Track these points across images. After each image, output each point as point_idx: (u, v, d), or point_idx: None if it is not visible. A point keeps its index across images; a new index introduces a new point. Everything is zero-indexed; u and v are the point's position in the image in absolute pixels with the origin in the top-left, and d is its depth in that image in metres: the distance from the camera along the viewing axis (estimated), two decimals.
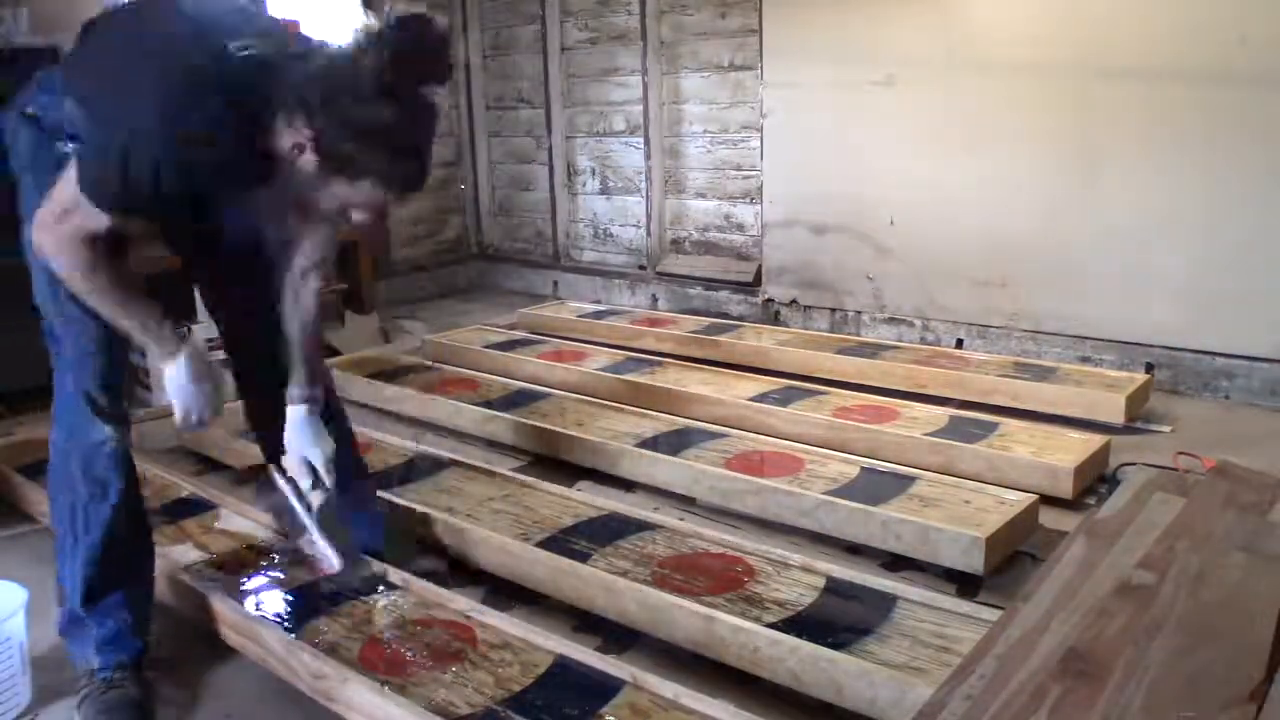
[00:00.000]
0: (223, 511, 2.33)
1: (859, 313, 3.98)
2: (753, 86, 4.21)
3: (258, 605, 1.88)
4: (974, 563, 1.98)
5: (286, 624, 1.81)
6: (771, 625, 1.73)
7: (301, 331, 1.81)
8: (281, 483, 1.83)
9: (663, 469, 2.53)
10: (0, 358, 3.16)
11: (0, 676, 1.64)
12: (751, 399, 3.03)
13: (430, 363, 3.69)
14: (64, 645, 1.77)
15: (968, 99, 3.54)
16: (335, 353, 3.91)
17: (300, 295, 1.80)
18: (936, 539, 2.02)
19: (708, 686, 1.64)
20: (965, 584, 2.02)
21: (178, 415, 1.64)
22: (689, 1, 4.39)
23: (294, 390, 1.81)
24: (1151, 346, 3.27)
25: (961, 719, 0.88)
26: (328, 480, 1.82)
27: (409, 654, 1.70)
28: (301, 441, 1.80)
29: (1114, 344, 3.34)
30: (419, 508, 2.24)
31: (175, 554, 2.10)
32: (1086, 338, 3.41)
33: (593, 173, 4.95)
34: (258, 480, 1.96)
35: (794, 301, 4.17)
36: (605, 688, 1.58)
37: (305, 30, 1.60)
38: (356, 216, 1.51)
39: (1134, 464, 2.37)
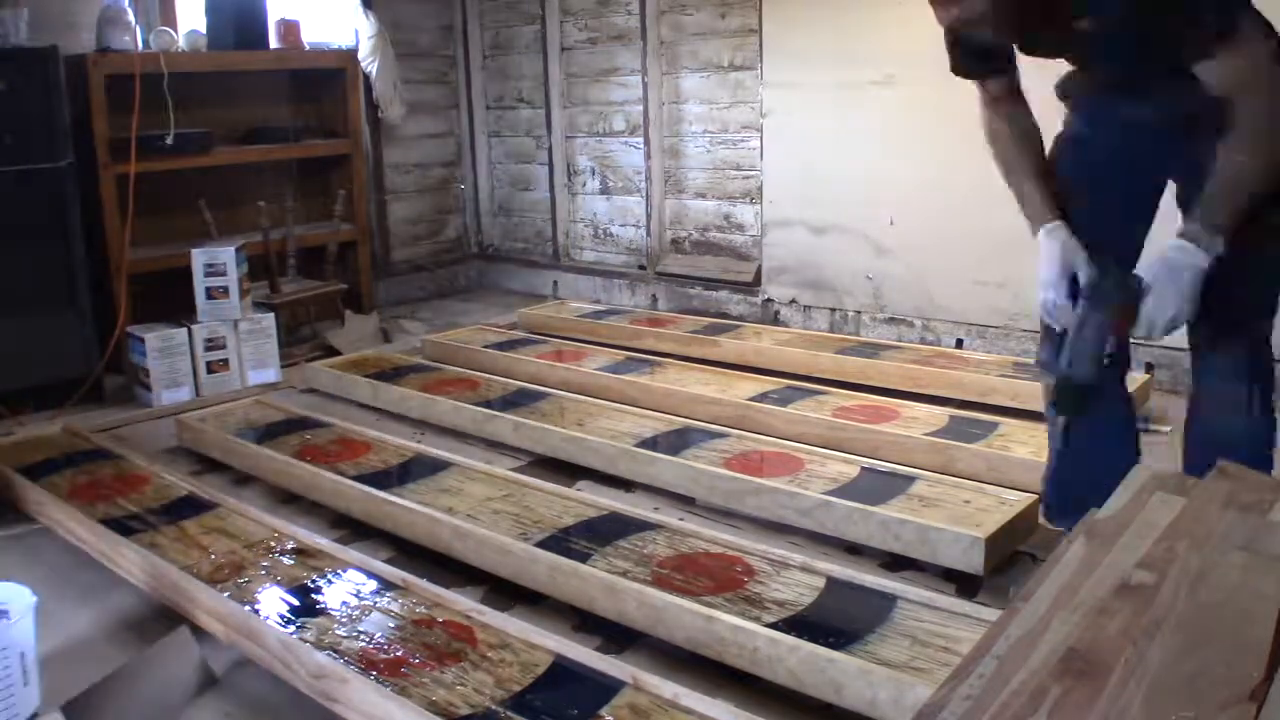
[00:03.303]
0: None
1: (859, 313, 3.98)
2: (753, 86, 4.20)
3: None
4: (974, 563, 1.98)
5: (284, 623, 1.81)
6: (771, 625, 1.73)
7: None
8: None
9: (663, 469, 2.53)
10: (0, 358, 3.17)
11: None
12: (751, 399, 3.03)
13: (430, 363, 3.69)
14: None
15: (968, 99, 3.51)
16: (335, 353, 3.91)
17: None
18: (936, 539, 2.02)
19: (708, 686, 1.64)
20: (965, 584, 2.02)
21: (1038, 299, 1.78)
22: (689, 1, 4.39)
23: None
24: (1151, 346, 3.27)
25: (961, 719, 0.88)
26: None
27: (408, 654, 1.70)
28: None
29: None
30: (419, 508, 2.25)
31: (173, 553, 2.10)
32: None
33: (593, 173, 4.95)
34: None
35: (794, 301, 4.17)
36: (605, 688, 1.58)
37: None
38: None
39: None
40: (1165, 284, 1.60)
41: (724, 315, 4.35)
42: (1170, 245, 1.62)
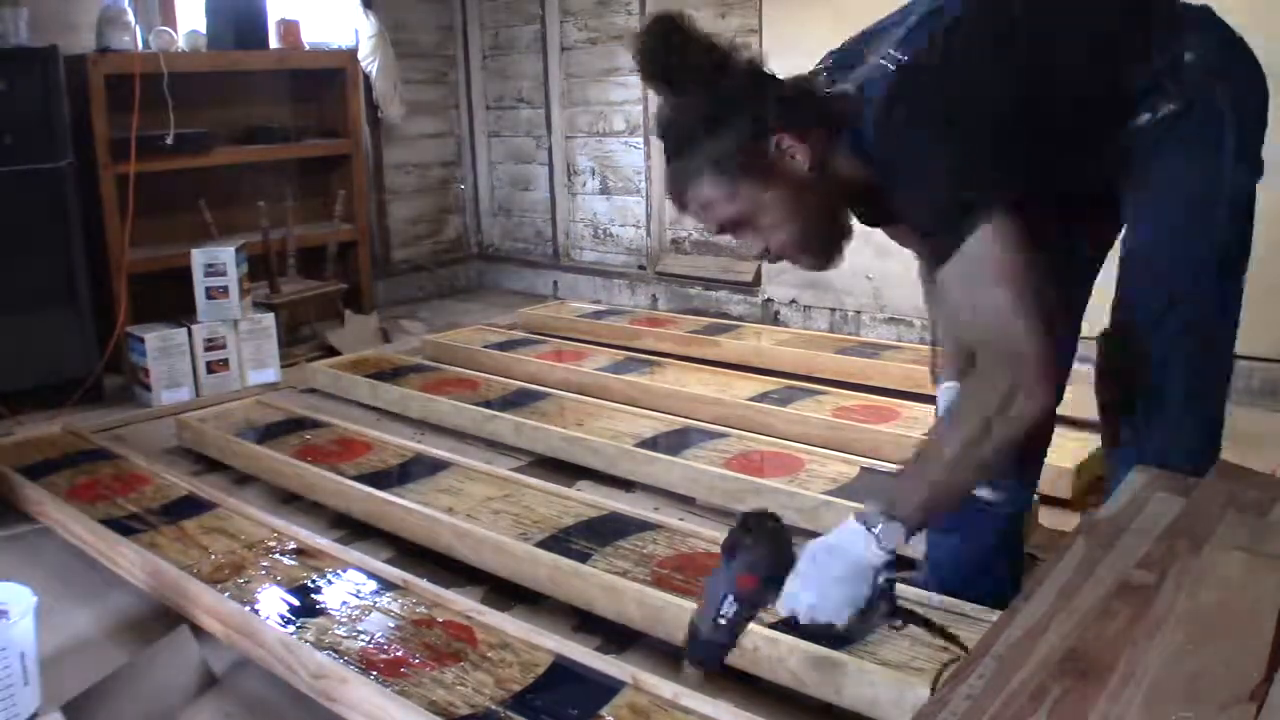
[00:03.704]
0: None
1: (859, 312, 3.98)
2: None
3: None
4: None
5: (284, 623, 1.81)
6: (771, 625, 1.73)
7: None
8: None
9: (663, 469, 2.53)
10: (0, 358, 3.17)
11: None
12: (751, 399, 3.03)
13: (430, 363, 3.69)
14: None
15: None
16: (335, 353, 3.91)
17: None
18: None
19: (708, 686, 1.63)
20: None
21: None
22: (689, 1, 4.39)
23: None
24: None
25: (961, 719, 0.88)
26: None
27: (408, 654, 1.70)
28: None
29: None
30: (419, 508, 2.25)
31: (173, 553, 2.10)
32: (1086, 337, 3.40)
33: (593, 173, 4.94)
34: None
35: (794, 301, 4.17)
36: (605, 688, 1.58)
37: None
38: None
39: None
40: (812, 567, 1.22)
41: (724, 315, 4.35)
42: (843, 524, 1.24)
